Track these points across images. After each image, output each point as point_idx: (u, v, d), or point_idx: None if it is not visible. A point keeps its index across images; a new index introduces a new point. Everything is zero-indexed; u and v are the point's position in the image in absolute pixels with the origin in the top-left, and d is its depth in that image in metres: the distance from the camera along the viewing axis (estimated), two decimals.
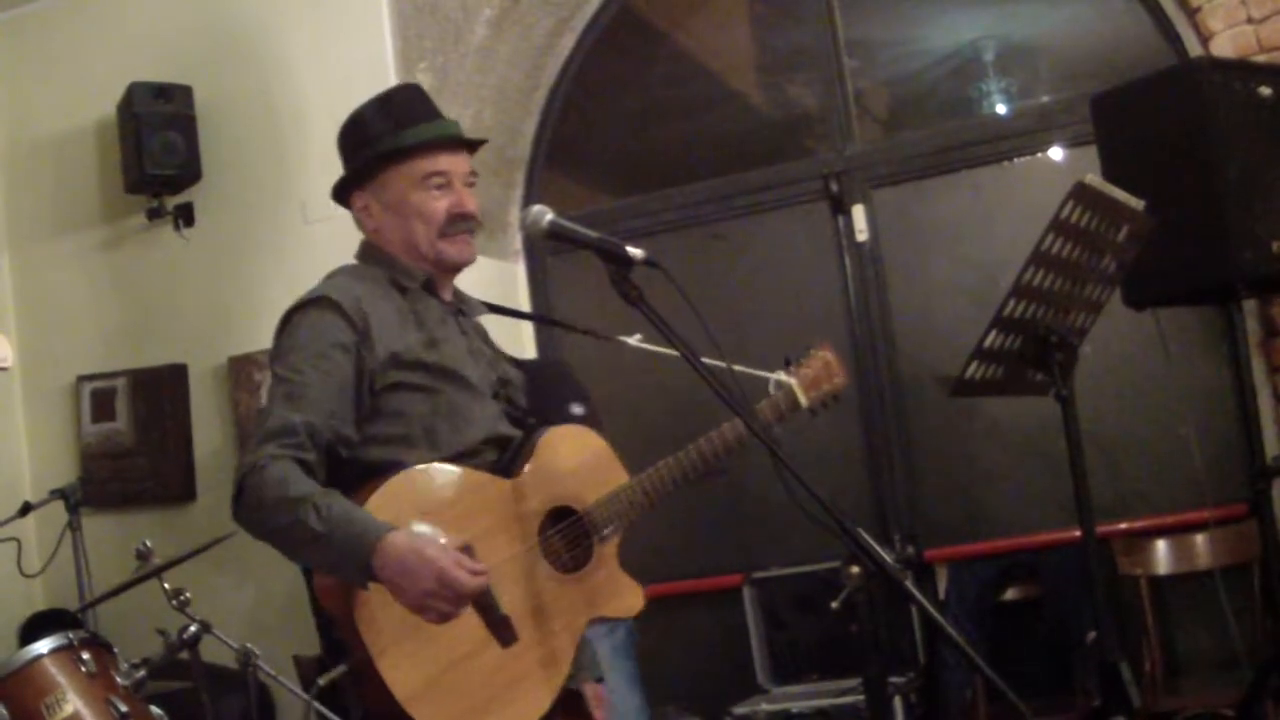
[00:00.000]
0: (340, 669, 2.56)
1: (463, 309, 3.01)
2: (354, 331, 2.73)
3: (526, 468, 2.78)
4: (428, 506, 2.63)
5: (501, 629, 2.61)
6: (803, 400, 2.99)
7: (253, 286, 5.69)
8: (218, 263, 5.76)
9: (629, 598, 2.88)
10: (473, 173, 2.97)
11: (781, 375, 3.02)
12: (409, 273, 2.89)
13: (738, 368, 2.90)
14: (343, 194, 3.02)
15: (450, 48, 5.50)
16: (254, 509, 2.57)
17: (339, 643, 2.59)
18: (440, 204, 2.89)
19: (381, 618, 2.52)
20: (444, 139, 2.94)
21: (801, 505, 2.80)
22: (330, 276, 2.92)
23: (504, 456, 2.81)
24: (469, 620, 2.57)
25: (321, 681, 2.62)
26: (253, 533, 2.61)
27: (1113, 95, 4.21)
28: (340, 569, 2.53)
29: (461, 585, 2.45)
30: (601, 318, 5.51)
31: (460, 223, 2.90)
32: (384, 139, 2.93)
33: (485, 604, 2.58)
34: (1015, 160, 5.20)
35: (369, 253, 2.98)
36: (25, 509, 4.88)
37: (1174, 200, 3.72)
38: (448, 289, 2.99)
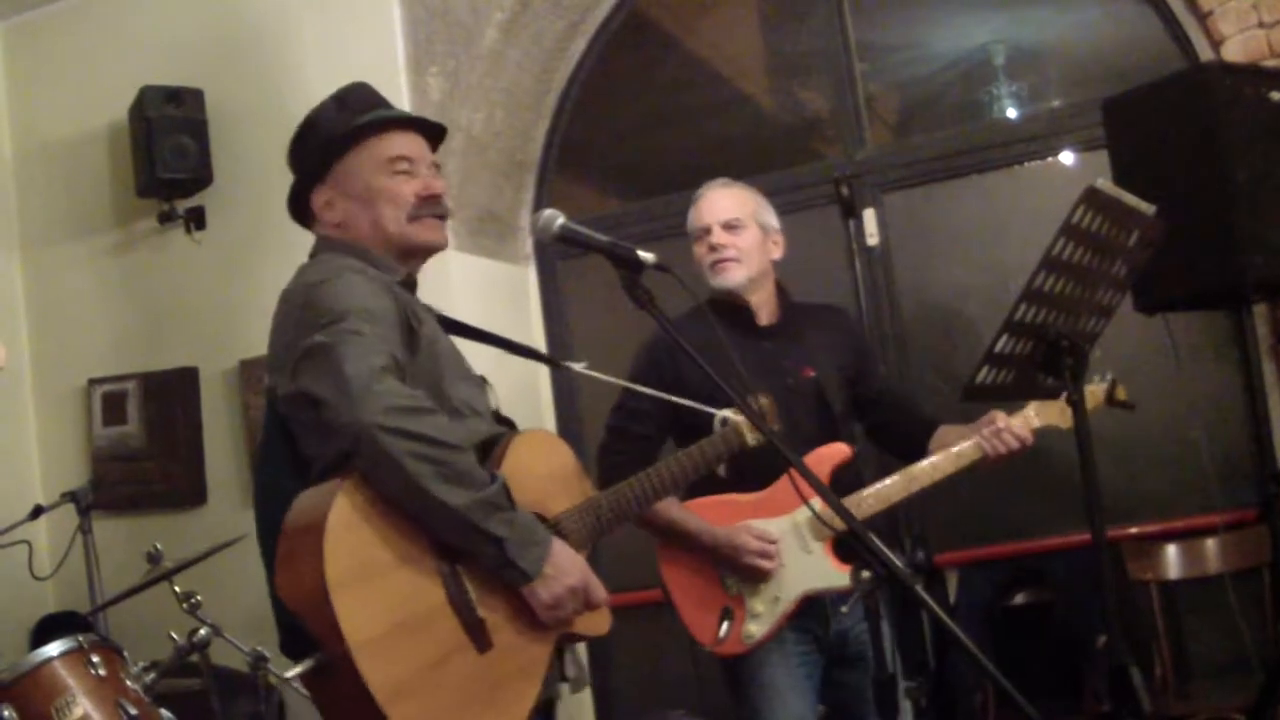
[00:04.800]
0: (313, 659, 2.45)
1: (429, 307, 2.94)
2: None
3: (498, 470, 2.66)
4: None
5: (477, 633, 2.54)
6: (750, 440, 3.03)
7: (264, 290, 5.64)
8: (229, 266, 5.77)
9: (598, 616, 2.76)
10: (435, 162, 2.95)
11: (727, 413, 3.02)
12: (390, 267, 2.84)
13: (683, 401, 2.96)
14: (300, 200, 2.98)
15: (461, 51, 5.51)
16: (427, 447, 2.46)
17: (307, 639, 2.44)
18: (407, 187, 2.86)
19: (361, 612, 2.40)
20: (398, 120, 2.93)
21: (813, 510, 2.81)
22: (321, 264, 2.86)
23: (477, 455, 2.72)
24: (446, 623, 2.51)
25: (289, 675, 2.52)
26: (409, 450, 2.44)
27: (1124, 99, 4.21)
28: (514, 543, 2.53)
29: (596, 595, 2.66)
30: (612, 321, 5.54)
31: (429, 205, 2.87)
32: (339, 128, 2.91)
33: (462, 605, 2.53)
34: (1026, 164, 5.19)
35: (335, 245, 2.91)
36: (36, 512, 4.89)
37: (1185, 205, 3.71)
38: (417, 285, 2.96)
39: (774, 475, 3.49)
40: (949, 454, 3.59)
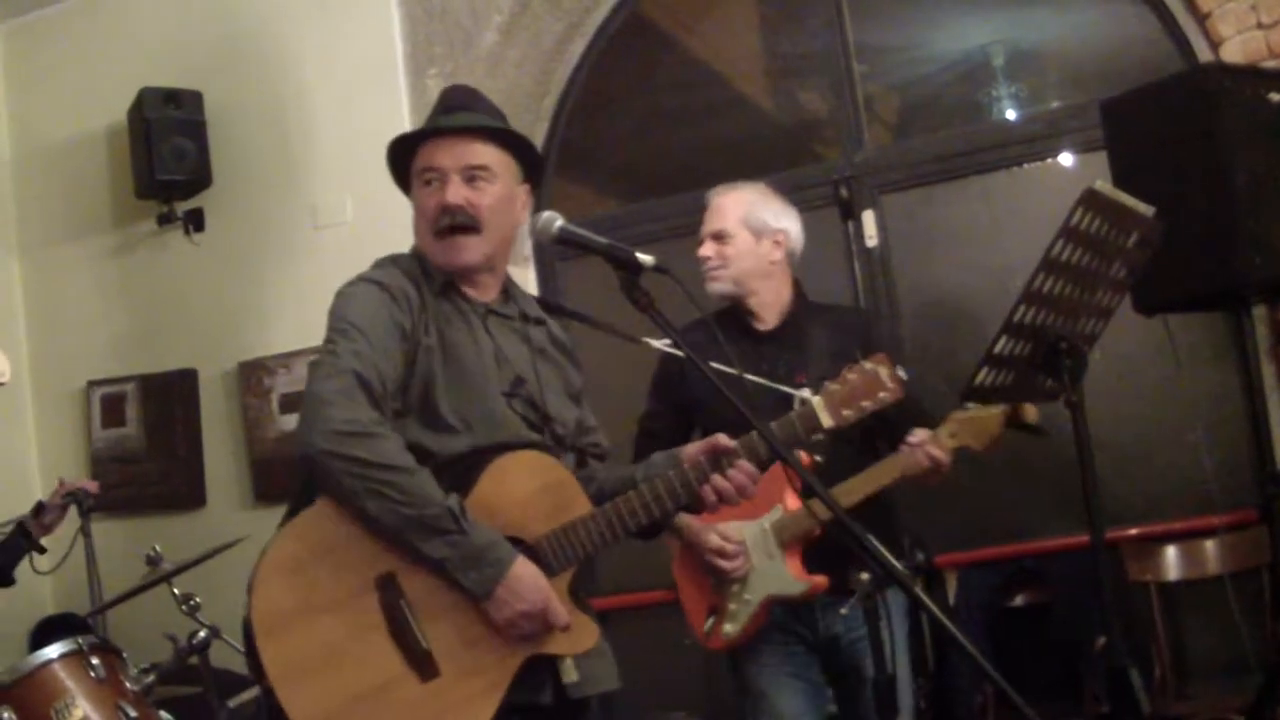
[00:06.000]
0: (251, 692, 2.60)
1: (496, 310, 2.93)
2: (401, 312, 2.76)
3: (470, 494, 2.68)
4: None
5: (421, 663, 2.58)
6: (826, 420, 2.82)
7: (263, 292, 5.70)
8: (228, 268, 5.78)
9: (578, 634, 2.72)
10: (480, 166, 2.84)
11: (806, 393, 2.92)
12: (433, 274, 2.85)
13: (761, 380, 2.87)
14: None
15: (460, 53, 5.51)
16: (362, 468, 2.55)
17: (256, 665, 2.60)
18: (430, 201, 2.84)
19: (288, 646, 2.55)
20: (426, 131, 2.90)
21: (813, 512, 2.80)
22: (376, 265, 2.91)
23: (458, 477, 2.72)
24: (385, 652, 2.58)
25: (231, 704, 2.67)
26: (344, 471, 2.54)
27: (1122, 101, 4.21)
28: (455, 564, 2.58)
29: (556, 620, 2.63)
30: (611, 322, 5.54)
31: (443, 218, 2.81)
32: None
33: (405, 636, 2.59)
34: (1025, 166, 5.19)
35: (414, 247, 2.95)
36: (39, 509, 4.86)
37: (1184, 206, 3.71)
38: (479, 286, 2.91)
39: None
40: (875, 470, 3.56)
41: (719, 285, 3.83)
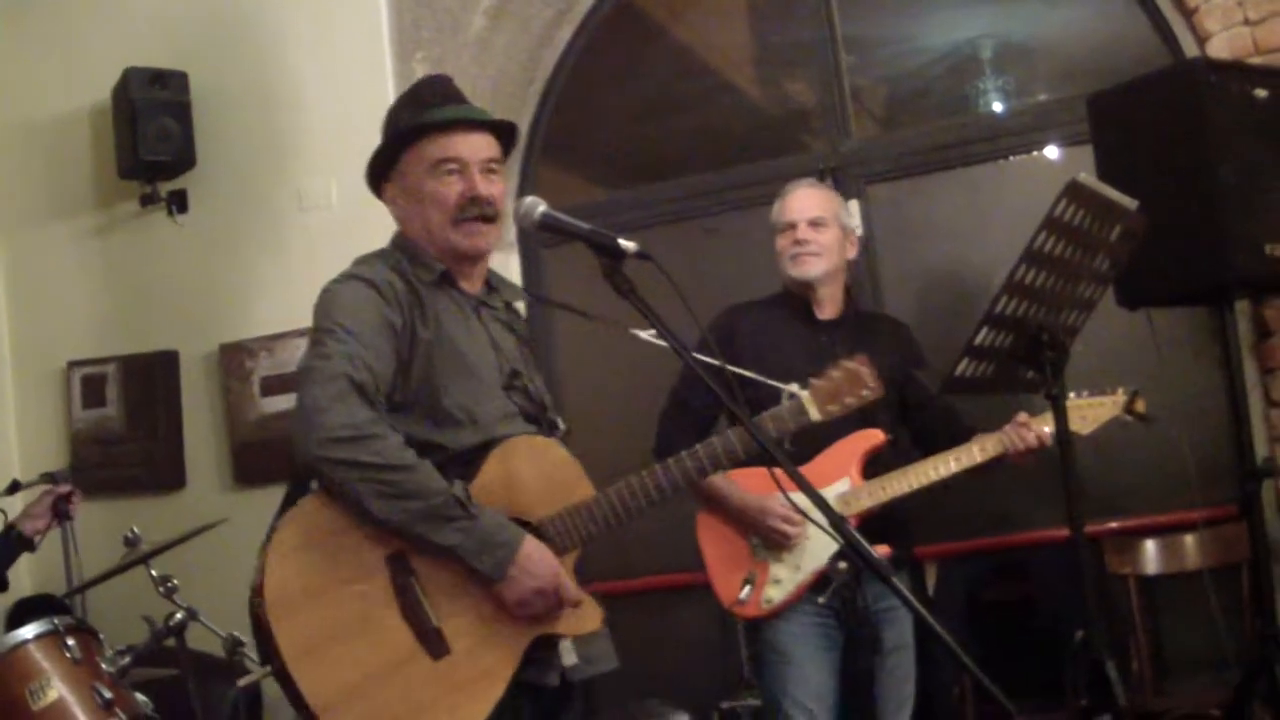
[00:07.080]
0: (260, 671, 2.62)
1: (485, 301, 2.97)
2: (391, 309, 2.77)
3: (477, 479, 2.73)
4: None
5: (432, 641, 2.61)
6: (814, 414, 2.97)
7: (246, 274, 5.68)
8: (211, 249, 5.76)
9: (586, 614, 2.79)
10: (494, 159, 2.94)
11: (795, 387, 3.01)
12: (427, 265, 2.88)
13: (749, 374, 2.94)
14: (378, 190, 3.03)
15: (448, 38, 5.49)
16: (364, 471, 2.57)
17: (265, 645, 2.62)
18: (453, 190, 2.88)
19: (300, 626, 2.57)
20: (452, 121, 2.92)
21: (793, 502, 2.80)
22: (359, 262, 2.92)
23: (464, 467, 2.76)
24: (397, 630, 2.60)
25: (241, 683, 2.70)
26: (346, 476, 2.57)
27: (1109, 95, 4.22)
28: (467, 550, 2.61)
29: (568, 596, 2.69)
30: (595, 310, 5.52)
31: (471, 207, 2.87)
32: (402, 126, 2.96)
33: (417, 614, 2.61)
34: (1011, 158, 5.20)
35: (396, 240, 2.98)
36: (14, 487, 4.84)
37: (1168, 200, 3.72)
38: (471, 279, 2.96)
39: (814, 452, 3.69)
40: (971, 447, 3.75)
41: (813, 269, 3.92)
